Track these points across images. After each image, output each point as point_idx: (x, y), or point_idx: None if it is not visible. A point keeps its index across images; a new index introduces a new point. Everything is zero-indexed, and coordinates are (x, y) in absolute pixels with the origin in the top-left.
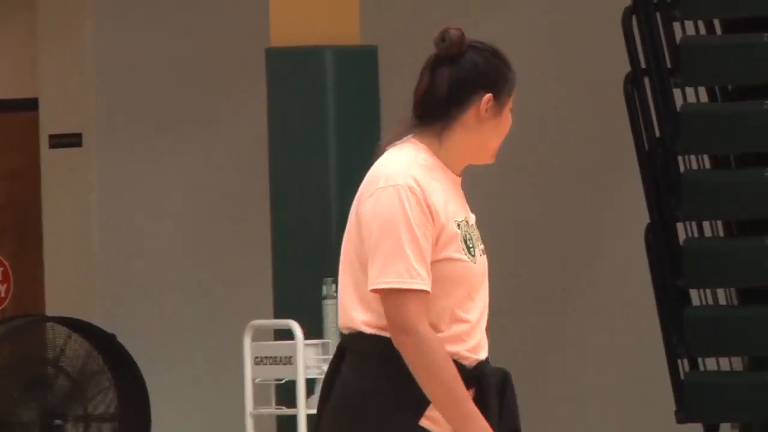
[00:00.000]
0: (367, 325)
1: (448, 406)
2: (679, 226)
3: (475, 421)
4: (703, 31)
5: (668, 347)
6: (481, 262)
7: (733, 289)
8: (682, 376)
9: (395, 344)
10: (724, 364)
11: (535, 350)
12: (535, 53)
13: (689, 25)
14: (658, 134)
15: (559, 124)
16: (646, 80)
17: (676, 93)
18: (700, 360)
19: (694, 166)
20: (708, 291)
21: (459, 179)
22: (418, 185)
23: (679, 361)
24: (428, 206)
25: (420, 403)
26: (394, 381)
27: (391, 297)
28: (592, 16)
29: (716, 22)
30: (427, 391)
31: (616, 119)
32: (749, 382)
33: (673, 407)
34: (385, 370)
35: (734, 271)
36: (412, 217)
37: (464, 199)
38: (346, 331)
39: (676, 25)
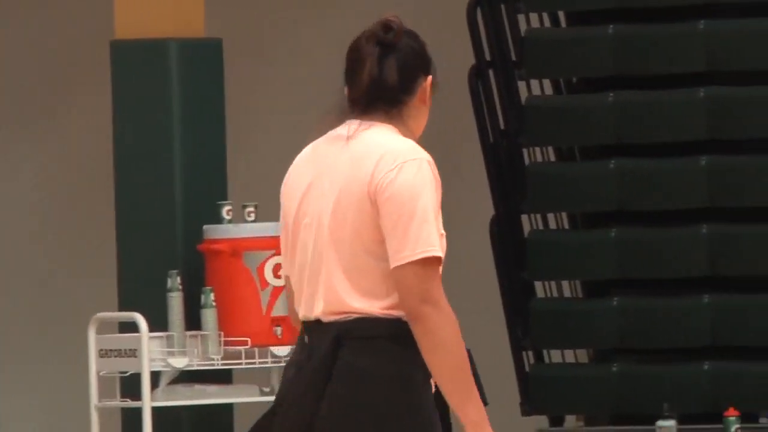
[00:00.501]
0: (380, 308)
1: (459, 383)
2: (524, 218)
3: (478, 401)
4: (548, 23)
5: (513, 340)
6: None
7: (578, 282)
8: (527, 369)
9: (414, 316)
10: (569, 356)
11: None
12: None
13: (534, 17)
14: (502, 127)
15: None
16: (491, 73)
17: (521, 85)
18: (545, 352)
19: (539, 159)
20: (553, 283)
21: None
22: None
23: (524, 353)
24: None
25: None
26: (410, 361)
27: (422, 267)
28: (437, 8)
29: (561, 15)
30: (440, 365)
31: (461, 112)
32: (594, 375)
33: (518, 400)
34: (400, 350)
35: (579, 263)
36: (436, 191)
37: None
38: (335, 318)
39: (521, 18)
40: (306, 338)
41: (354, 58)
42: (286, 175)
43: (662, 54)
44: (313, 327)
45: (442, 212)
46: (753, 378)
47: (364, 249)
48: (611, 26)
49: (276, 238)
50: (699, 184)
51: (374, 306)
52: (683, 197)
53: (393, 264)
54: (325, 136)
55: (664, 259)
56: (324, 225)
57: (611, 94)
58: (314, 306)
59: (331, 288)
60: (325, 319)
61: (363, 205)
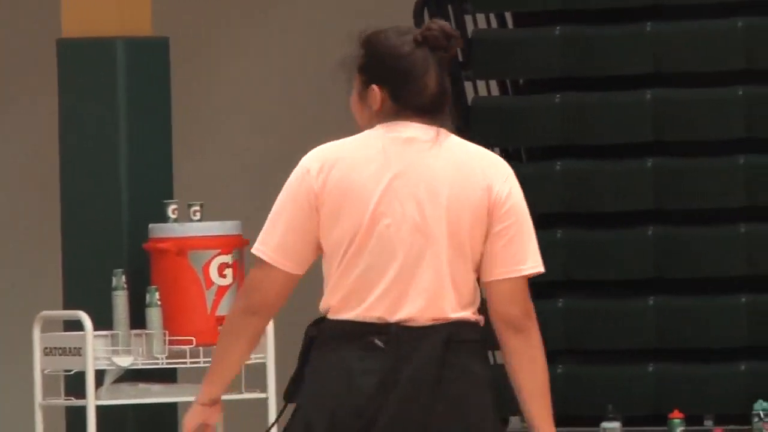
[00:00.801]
0: (473, 313)
1: (548, 397)
2: None
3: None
4: (495, 24)
5: None
6: None
7: None
8: None
9: (519, 328)
10: None
11: None
12: (325, 45)
13: (481, 18)
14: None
15: (347, 119)
16: None
17: (468, 86)
18: (490, 353)
19: None
20: None
21: None
22: None
23: None
24: None
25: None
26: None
27: (527, 281)
28: (384, 8)
29: (508, 16)
30: (537, 378)
31: None
32: None
33: None
34: (486, 357)
35: None
36: None
37: None
38: (436, 322)
39: (468, 18)
40: (380, 341)
41: (412, 61)
42: (336, 170)
43: (609, 55)
44: (398, 330)
45: None
46: (698, 380)
47: (471, 257)
48: (558, 27)
49: (221, 237)
50: (645, 186)
51: (468, 311)
52: (629, 199)
53: (506, 275)
54: (385, 135)
55: (609, 261)
56: (425, 229)
57: (558, 96)
58: (401, 309)
59: (434, 292)
60: (421, 322)
61: (480, 214)
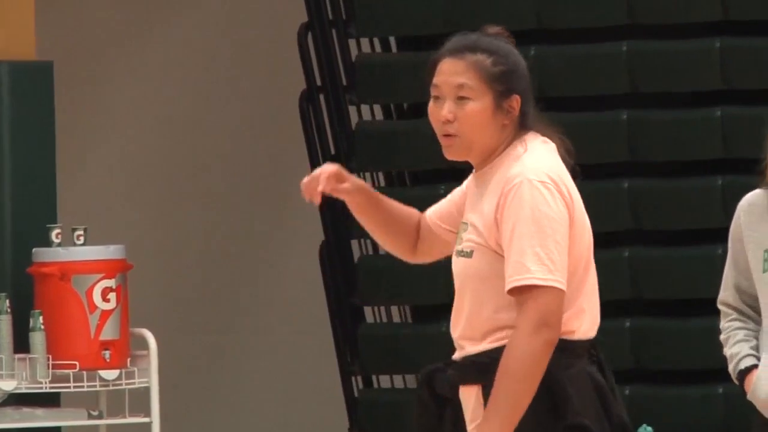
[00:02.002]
0: None
1: (499, 383)
2: (354, 243)
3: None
4: (378, 48)
5: (342, 365)
6: (453, 260)
7: (407, 307)
8: (355, 394)
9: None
10: (398, 381)
11: (206, 369)
12: (210, 69)
13: (365, 42)
14: (333, 152)
15: (234, 140)
16: (322, 97)
17: (352, 110)
18: (373, 377)
19: (370, 184)
20: (382, 308)
21: (480, 174)
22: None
23: (353, 378)
24: None
25: None
26: None
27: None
28: (268, 31)
29: (392, 40)
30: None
31: (292, 136)
32: None
33: (346, 425)
34: None
35: (408, 288)
36: None
37: (481, 196)
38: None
39: (352, 42)
40: (595, 354)
41: (525, 70)
42: (569, 185)
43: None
44: (594, 342)
45: (274, 236)
46: (670, 401)
47: None
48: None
49: (105, 262)
50: (622, 207)
51: None
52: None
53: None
54: (554, 150)
55: None
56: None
57: None
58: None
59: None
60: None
61: None
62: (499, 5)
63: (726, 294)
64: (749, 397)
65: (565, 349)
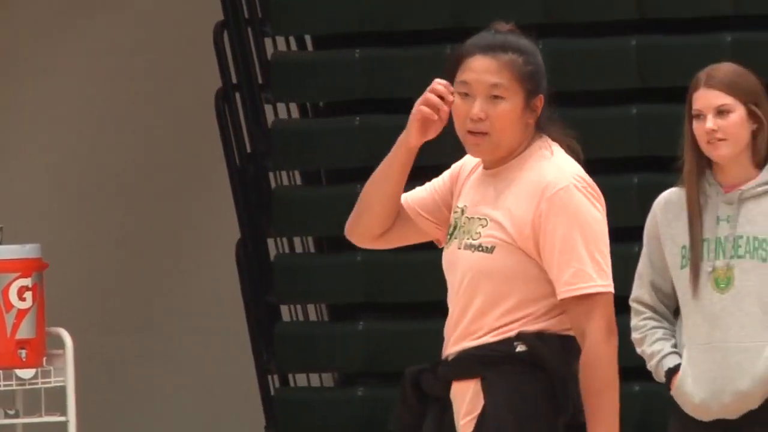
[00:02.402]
0: None
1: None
2: (270, 241)
3: None
4: (294, 46)
5: (258, 363)
6: (453, 252)
7: (324, 305)
8: (272, 392)
9: None
10: (315, 380)
11: (123, 368)
12: (126, 67)
13: (281, 40)
14: (249, 150)
15: (150, 138)
16: (238, 96)
17: (268, 109)
18: (290, 376)
19: (286, 182)
20: (299, 307)
21: (495, 172)
22: (455, 167)
23: (269, 377)
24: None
25: None
26: None
27: None
28: (183, 29)
29: (308, 38)
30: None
31: (208, 134)
32: (339, 399)
33: (263, 423)
34: None
35: (325, 287)
36: None
37: (500, 193)
38: None
39: (268, 41)
40: None
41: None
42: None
43: (409, 77)
44: None
45: (190, 234)
46: None
47: None
48: (358, 50)
49: (21, 260)
50: None
51: None
52: None
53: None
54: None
55: (410, 283)
56: None
57: (358, 118)
58: None
59: None
60: None
61: None
62: (414, 5)
63: (641, 291)
64: (673, 393)
65: (568, 348)
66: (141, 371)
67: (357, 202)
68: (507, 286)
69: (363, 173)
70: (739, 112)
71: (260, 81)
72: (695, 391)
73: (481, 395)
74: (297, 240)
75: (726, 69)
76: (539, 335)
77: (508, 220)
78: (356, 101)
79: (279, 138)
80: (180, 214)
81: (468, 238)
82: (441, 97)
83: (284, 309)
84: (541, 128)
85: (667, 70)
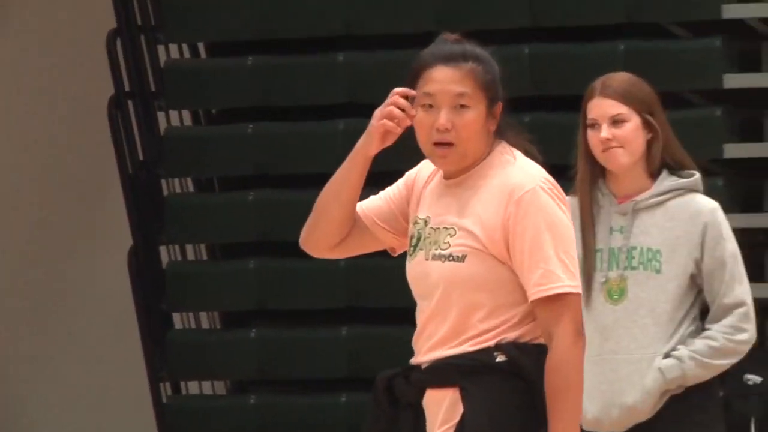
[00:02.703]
0: None
1: None
2: (163, 249)
3: None
4: (187, 54)
5: (150, 371)
6: (419, 263)
7: (216, 313)
8: (164, 400)
9: None
10: (207, 387)
11: (15, 374)
12: (19, 74)
13: (174, 48)
14: (141, 157)
15: (43, 144)
16: (130, 103)
17: (161, 116)
18: (182, 383)
19: (178, 190)
20: (191, 314)
21: (458, 181)
22: (410, 176)
23: (161, 384)
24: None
25: None
26: None
27: None
28: (76, 36)
29: (200, 46)
30: None
31: (101, 142)
32: (232, 406)
33: (155, 431)
34: None
35: (217, 294)
36: None
37: (467, 201)
38: None
39: (161, 48)
40: None
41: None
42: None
43: (302, 85)
44: None
45: (83, 241)
46: None
47: None
48: (251, 57)
49: None
50: None
51: None
52: None
53: None
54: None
55: (303, 291)
56: None
57: (250, 126)
58: None
59: None
60: None
61: None
62: (307, 13)
63: None
64: None
65: (543, 357)
66: (33, 376)
67: (312, 211)
68: (481, 294)
69: (256, 181)
70: (634, 122)
71: (153, 88)
72: (588, 407)
73: (459, 404)
74: (189, 247)
75: (621, 78)
76: (517, 345)
77: (478, 227)
78: (249, 109)
79: (171, 145)
80: (73, 220)
81: (436, 249)
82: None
83: (176, 316)
84: (499, 134)
85: (560, 79)
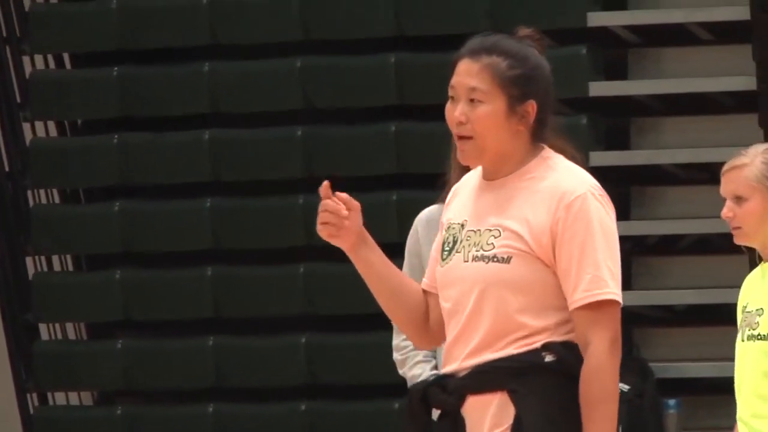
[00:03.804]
0: None
1: None
2: (29, 260)
3: None
4: (53, 65)
5: (17, 382)
6: (457, 266)
7: (82, 324)
8: (31, 411)
9: None
10: (74, 398)
11: None
12: None
13: (39, 59)
14: (7, 168)
15: None
16: None
17: (26, 127)
18: (49, 394)
19: (44, 201)
20: (58, 325)
21: (501, 183)
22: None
23: (28, 395)
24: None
25: None
26: None
27: None
28: None
29: (66, 57)
30: None
31: None
32: (99, 417)
33: None
34: None
35: (83, 305)
36: None
37: (510, 203)
38: None
39: (26, 59)
40: None
41: (550, 78)
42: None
43: (167, 95)
44: None
45: None
46: (253, 419)
47: None
48: (116, 68)
49: None
50: (203, 226)
51: None
52: (188, 239)
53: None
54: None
55: (168, 301)
56: None
57: (116, 136)
58: None
59: None
60: None
61: None
62: (172, 23)
63: None
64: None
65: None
66: None
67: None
68: (525, 296)
69: (121, 191)
70: None
71: (18, 99)
72: None
73: (509, 408)
74: (56, 258)
75: None
76: (564, 345)
77: (526, 230)
78: (114, 119)
79: (37, 156)
80: None
81: (477, 250)
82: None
83: (43, 327)
84: (538, 137)
85: (426, 87)
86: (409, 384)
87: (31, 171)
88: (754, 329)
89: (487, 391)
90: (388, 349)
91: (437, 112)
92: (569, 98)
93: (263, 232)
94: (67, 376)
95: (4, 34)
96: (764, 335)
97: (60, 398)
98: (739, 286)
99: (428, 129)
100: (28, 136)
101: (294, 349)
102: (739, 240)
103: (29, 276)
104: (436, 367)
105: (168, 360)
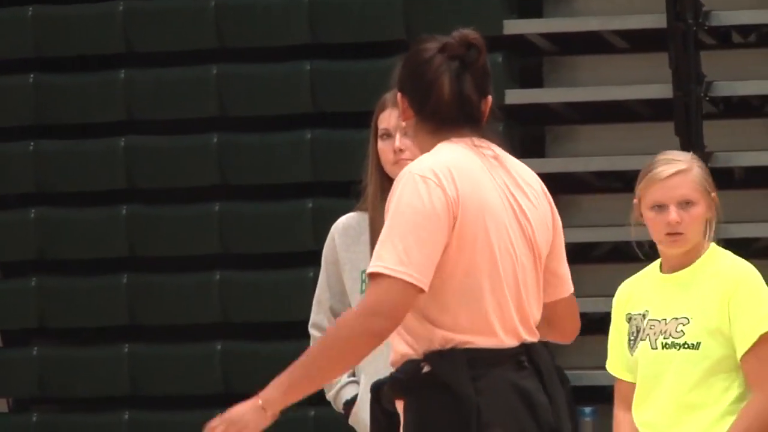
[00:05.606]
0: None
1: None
2: None
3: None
4: None
5: None
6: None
7: None
8: None
9: None
10: None
11: None
12: None
13: None
14: None
15: None
16: None
17: None
18: None
19: None
20: None
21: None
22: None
23: None
24: None
25: None
26: None
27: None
28: None
29: None
30: None
31: None
32: (13, 424)
33: None
34: None
35: None
36: None
37: None
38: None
39: None
40: (526, 360)
41: (428, 68)
42: (461, 182)
43: (82, 103)
44: (529, 348)
45: None
46: (168, 427)
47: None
48: (32, 75)
49: None
50: (119, 234)
51: None
52: (104, 246)
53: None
54: (474, 150)
55: (84, 309)
56: (534, 250)
57: (31, 143)
58: (522, 329)
59: (531, 310)
60: (531, 339)
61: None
62: (87, 31)
63: (320, 317)
64: (351, 422)
65: (473, 360)
66: None
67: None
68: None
69: (37, 198)
70: None
71: None
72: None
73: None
74: None
75: None
76: (443, 353)
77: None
78: (30, 127)
79: None
80: None
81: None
82: None
83: None
84: (441, 130)
85: (341, 95)
86: (326, 392)
87: None
88: (676, 338)
89: (396, 397)
90: None
91: (352, 120)
92: None
93: (179, 240)
94: None
95: None
96: (693, 344)
97: None
98: None
99: (343, 136)
100: None
101: (209, 356)
102: (679, 246)
103: None
104: (353, 373)
105: (84, 367)
